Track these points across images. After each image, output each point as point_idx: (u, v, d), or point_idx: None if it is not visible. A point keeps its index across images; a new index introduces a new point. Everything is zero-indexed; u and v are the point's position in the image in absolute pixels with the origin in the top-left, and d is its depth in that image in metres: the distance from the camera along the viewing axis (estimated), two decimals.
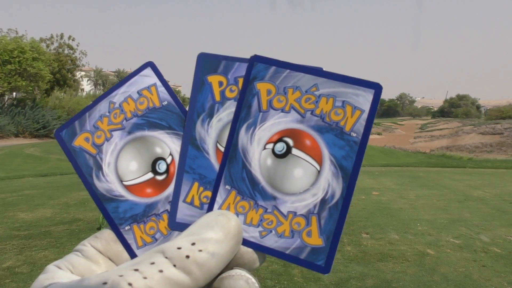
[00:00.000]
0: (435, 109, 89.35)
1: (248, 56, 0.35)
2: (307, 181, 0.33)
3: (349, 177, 0.33)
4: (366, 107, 0.33)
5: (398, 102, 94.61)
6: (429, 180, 7.24)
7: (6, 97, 25.46)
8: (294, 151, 0.33)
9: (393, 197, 5.63)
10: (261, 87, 0.34)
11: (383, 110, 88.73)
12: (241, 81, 0.35)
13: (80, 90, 42.63)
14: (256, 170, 0.34)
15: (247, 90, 0.34)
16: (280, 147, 0.33)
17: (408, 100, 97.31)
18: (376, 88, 0.32)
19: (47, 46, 27.73)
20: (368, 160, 14.41)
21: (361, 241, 3.63)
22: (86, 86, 60.47)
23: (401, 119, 74.55)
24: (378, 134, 45.11)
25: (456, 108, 70.59)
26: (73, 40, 28.81)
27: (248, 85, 0.34)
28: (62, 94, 30.51)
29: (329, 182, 0.33)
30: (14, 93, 25.59)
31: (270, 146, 0.34)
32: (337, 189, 0.33)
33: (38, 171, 10.32)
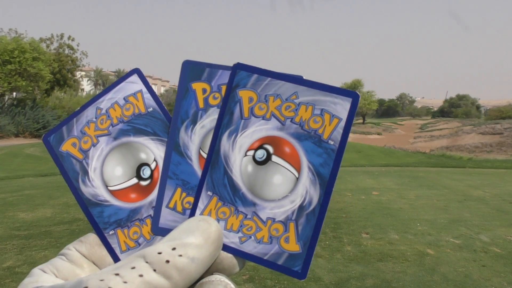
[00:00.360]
0: (435, 109, 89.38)
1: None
2: (286, 188, 0.34)
3: (326, 184, 0.34)
4: (344, 115, 0.34)
5: (398, 102, 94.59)
6: (429, 180, 7.24)
7: (6, 97, 25.46)
8: (274, 158, 0.34)
9: (393, 197, 5.63)
10: (243, 94, 0.35)
11: (383, 110, 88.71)
12: (224, 88, 0.35)
13: (80, 90, 42.63)
14: (237, 176, 0.35)
15: (230, 98, 0.35)
16: (260, 154, 0.34)
17: (408, 100, 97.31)
18: (354, 97, 0.33)
19: (47, 46, 27.71)
20: (368, 160, 14.41)
21: (361, 241, 3.63)
22: (86, 86, 60.46)
23: (401, 119, 74.52)
24: (378, 134, 45.08)
25: (456, 108, 70.60)
26: (72, 40, 28.78)
27: (230, 93, 0.35)
28: (62, 94, 30.53)
29: (307, 189, 0.34)
30: (14, 93, 25.59)
31: (251, 153, 0.34)
32: (315, 196, 0.34)
33: (38, 171, 10.33)
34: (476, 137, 31.65)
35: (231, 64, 0.36)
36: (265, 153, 0.34)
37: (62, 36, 28.55)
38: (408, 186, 6.54)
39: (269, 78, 0.35)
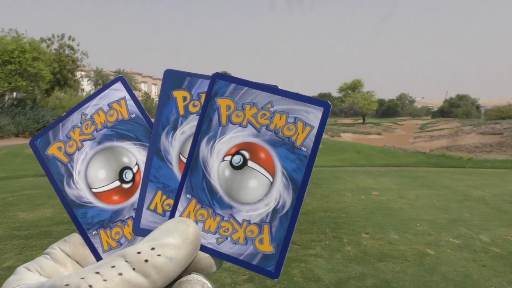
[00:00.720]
0: (435, 109, 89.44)
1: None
2: (261, 192, 0.36)
3: (299, 188, 0.35)
4: (316, 123, 0.35)
5: (398, 102, 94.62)
6: (429, 180, 7.24)
7: (7, 97, 25.46)
8: (250, 163, 0.36)
9: (393, 197, 5.63)
10: (221, 102, 0.37)
11: (383, 110, 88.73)
12: (203, 96, 0.37)
13: (80, 90, 42.63)
14: (215, 180, 0.36)
15: (209, 105, 0.37)
16: (237, 159, 0.36)
17: (408, 100, 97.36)
18: (325, 106, 0.35)
19: (48, 46, 27.69)
20: (368, 160, 14.41)
21: (361, 241, 3.64)
22: (87, 86, 60.49)
23: (401, 119, 74.55)
24: (378, 134, 45.07)
25: (456, 108, 70.60)
26: (73, 40, 28.77)
27: (209, 101, 0.37)
28: (62, 94, 30.52)
29: (281, 193, 0.36)
30: (15, 93, 25.59)
31: (228, 158, 0.36)
32: (288, 199, 0.35)
33: (39, 171, 10.32)
34: (476, 137, 31.65)
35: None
36: (242, 158, 0.36)
37: (63, 36, 28.53)
38: (408, 186, 6.54)
39: (246, 88, 0.37)
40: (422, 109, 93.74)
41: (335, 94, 66.60)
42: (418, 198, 5.55)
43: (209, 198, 0.36)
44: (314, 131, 0.35)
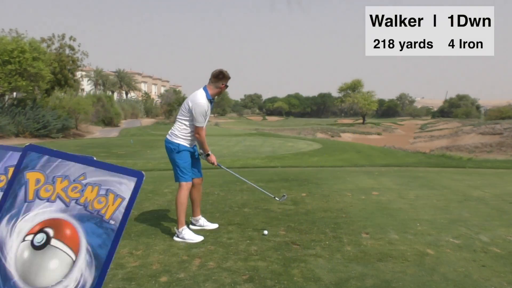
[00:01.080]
0: (435, 109, 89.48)
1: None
2: (61, 273, 0.34)
3: (102, 265, 0.34)
4: (127, 194, 0.35)
5: (398, 102, 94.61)
6: (429, 180, 7.23)
7: (7, 97, 25.46)
8: (53, 241, 0.35)
9: (392, 197, 5.62)
10: (30, 176, 0.36)
11: (383, 110, 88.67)
12: (11, 170, 0.36)
13: (80, 90, 42.59)
14: (11, 264, 0.35)
15: (16, 180, 0.36)
16: (39, 238, 0.35)
17: (408, 100, 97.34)
18: (138, 176, 0.35)
19: (48, 46, 27.67)
20: (368, 160, 14.40)
21: (361, 241, 3.63)
22: (87, 86, 60.42)
23: (401, 119, 74.58)
24: (378, 134, 45.04)
25: (456, 108, 70.58)
26: (74, 40, 28.75)
27: (17, 175, 0.36)
28: (62, 94, 30.50)
29: (82, 272, 0.34)
30: (15, 93, 25.59)
31: (30, 237, 0.35)
32: (89, 279, 0.34)
33: None
34: (476, 137, 31.64)
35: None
36: (45, 236, 0.35)
37: (63, 36, 28.51)
38: (408, 186, 6.53)
39: (60, 159, 0.36)
40: (422, 109, 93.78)
41: (335, 94, 66.59)
42: (418, 198, 5.54)
43: (1, 285, 0.35)
44: (125, 203, 0.35)
